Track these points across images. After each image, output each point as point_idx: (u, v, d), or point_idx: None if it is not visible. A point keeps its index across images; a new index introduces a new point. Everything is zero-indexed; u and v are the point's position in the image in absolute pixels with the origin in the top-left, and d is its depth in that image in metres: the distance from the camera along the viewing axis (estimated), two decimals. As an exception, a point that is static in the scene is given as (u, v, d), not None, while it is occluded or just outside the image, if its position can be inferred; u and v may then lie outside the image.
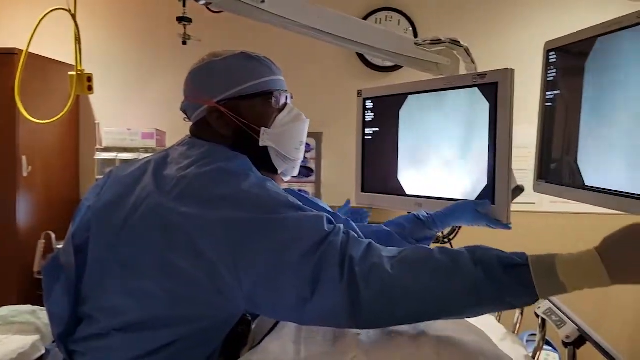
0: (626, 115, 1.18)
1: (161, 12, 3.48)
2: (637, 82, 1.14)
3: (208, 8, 1.77)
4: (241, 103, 1.18)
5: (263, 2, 1.52)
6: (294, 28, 1.63)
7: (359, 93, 1.88)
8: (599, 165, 1.27)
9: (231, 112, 1.17)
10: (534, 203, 3.31)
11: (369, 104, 1.85)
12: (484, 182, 1.50)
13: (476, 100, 1.51)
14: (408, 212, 1.61)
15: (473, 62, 1.76)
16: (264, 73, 1.21)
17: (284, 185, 1.27)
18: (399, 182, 1.76)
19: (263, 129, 1.18)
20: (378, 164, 1.84)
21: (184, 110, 1.26)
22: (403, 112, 1.73)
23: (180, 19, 2.36)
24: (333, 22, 1.67)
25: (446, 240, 1.75)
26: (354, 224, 1.29)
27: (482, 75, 1.49)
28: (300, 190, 1.61)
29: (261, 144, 1.19)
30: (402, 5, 3.46)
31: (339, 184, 3.57)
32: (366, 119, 1.86)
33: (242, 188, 1.02)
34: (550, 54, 1.48)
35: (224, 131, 1.18)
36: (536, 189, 1.54)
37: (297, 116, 1.26)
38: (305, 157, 3.60)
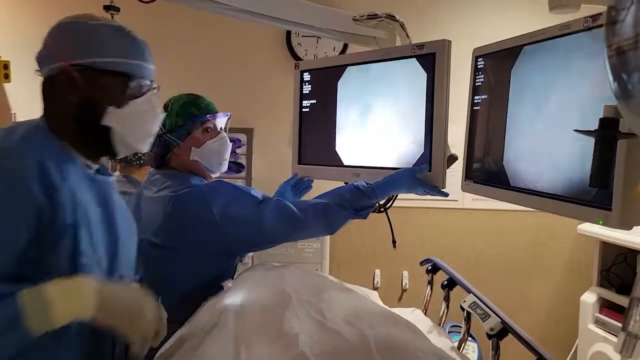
0: (546, 121, 1.26)
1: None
2: (557, 90, 1.22)
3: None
4: (97, 75, 1.08)
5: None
6: (230, 13, 1.61)
7: (296, 65, 1.87)
8: (523, 166, 1.35)
9: (83, 79, 1.07)
10: (456, 200, 3.46)
11: (307, 76, 1.85)
12: (420, 150, 1.54)
13: (414, 71, 1.54)
14: (345, 183, 1.63)
15: (408, 36, 1.80)
16: (132, 55, 1.12)
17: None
18: (337, 153, 1.76)
19: (111, 107, 1.09)
20: (315, 135, 1.84)
21: (38, 59, 1.15)
22: (341, 84, 1.75)
23: (107, 7, 2.27)
24: (269, 3, 1.66)
25: (382, 209, 1.77)
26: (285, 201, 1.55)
27: (421, 46, 1.53)
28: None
29: (103, 122, 1.10)
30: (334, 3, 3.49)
31: (270, 179, 3.55)
32: (303, 92, 1.85)
33: None
34: (479, 59, 1.55)
35: (70, 97, 1.09)
36: (464, 189, 1.61)
37: (153, 109, 1.17)
38: (235, 153, 3.57)
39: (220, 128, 1.67)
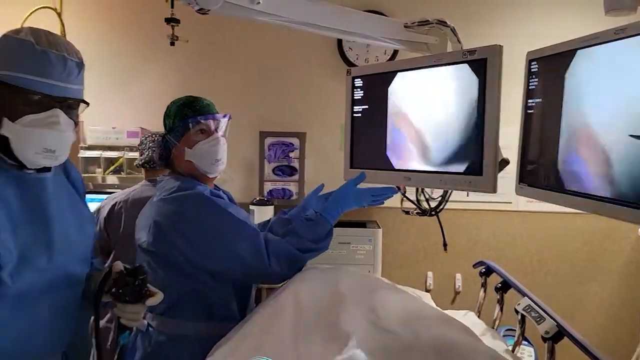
0: (601, 125, 1.25)
1: (149, 12, 3.49)
2: (612, 94, 1.22)
3: (200, 11, 1.81)
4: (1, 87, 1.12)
5: (259, 3, 1.56)
6: (286, 24, 1.67)
7: (348, 72, 1.91)
8: (578, 170, 1.34)
9: None
10: (511, 202, 3.41)
11: (358, 82, 1.89)
12: (471, 155, 1.55)
13: (465, 76, 1.56)
14: (306, 216, 1.71)
15: (459, 41, 1.82)
16: (33, 70, 1.12)
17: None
18: (388, 157, 1.80)
19: (5, 119, 1.13)
20: (367, 140, 1.87)
21: None
22: (392, 89, 1.78)
23: (168, 20, 2.37)
24: (326, 14, 1.72)
25: (433, 212, 1.81)
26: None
27: (472, 51, 1.54)
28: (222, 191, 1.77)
29: (1, 132, 1.13)
30: (385, 9, 3.52)
31: (322, 183, 3.62)
32: (355, 97, 1.90)
33: None
34: (532, 63, 1.55)
35: None
36: (518, 192, 1.60)
37: (48, 124, 1.15)
38: (288, 156, 3.65)
39: (215, 130, 1.70)
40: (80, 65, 1.20)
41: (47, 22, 2.66)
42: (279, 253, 1.57)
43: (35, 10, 2.77)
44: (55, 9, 2.89)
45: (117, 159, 3.51)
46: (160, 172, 2.64)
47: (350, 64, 3.57)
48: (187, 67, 3.63)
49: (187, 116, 1.65)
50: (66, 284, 1.21)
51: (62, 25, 2.99)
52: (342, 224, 3.38)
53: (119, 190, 2.86)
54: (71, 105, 1.19)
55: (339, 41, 3.57)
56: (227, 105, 3.51)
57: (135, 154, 3.46)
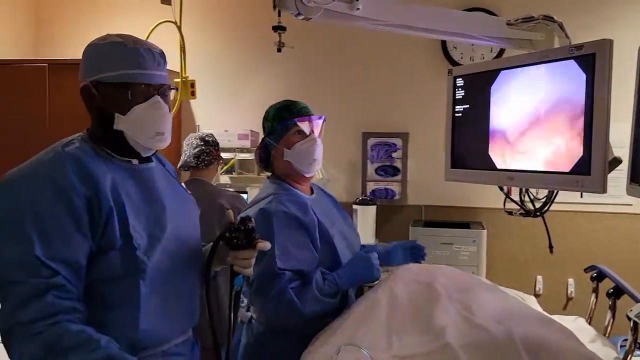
0: None
1: (257, 22, 3.68)
2: None
3: (306, 18, 1.90)
4: (104, 88, 1.24)
5: (358, 9, 1.61)
6: (386, 28, 1.70)
7: (450, 72, 1.91)
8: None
9: (97, 93, 1.25)
10: (631, 205, 3.18)
11: (460, 82, 1.88)
12: (579, 153, 1.49)
13: (572, 72, 1.50)
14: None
15: (567, 36, 1.74)
16: (132, 66, 1.25)
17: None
18: (490, 157, 1.77)
19: (117, 114, 1.25)
20: (468, 140, 1.86)
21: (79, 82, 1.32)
22: (495, 88, 1.75)
23: (275, 28, 2.49)
24: (425, 16, 1.73)
25: (538, 213, 1.77)
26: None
27: (579, 46, 1.49)
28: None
29: (115, 127, 1.26)
30: (491, 5, 3.44)
31: (426, 183, 3.63)
32: (456, 97, 1.89)
33: None
34: (645, 57, 1.47)
35: (91, 108, 1.28)
36: (630, 192, 1.53)
37: (156, 109, 1.28)
38: (391, 157, 3.69)
39: (312, 131, 1.75)
40: (163, 54, 1.33)
41: (167, 35, 2.90)
42: (288, 303, 1.57)
43: (159, 24, 3.03)
44: (175, 23, 3.14)
45: (229, 160, 3.73)
46: (204, 170, 2.75)
47: (454, 63, 3.53)
48: (292, 71, 3.78)
49: (285, 119, 1.74)
50: (186, 260, 1.34)
51: (182, 37, 3.24)
52: (445, 224, 3.38)
53: (231, 189, 3.05)
54: (164, 91, 1.33)
55: (443, 40, 3.54)
56: (331, 107, 3.65)
57: (246, 155, 3.68)
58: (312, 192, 1.84)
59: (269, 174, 1.87)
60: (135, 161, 1.32)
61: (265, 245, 1.30)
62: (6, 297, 1.09)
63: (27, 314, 1.07)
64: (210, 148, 2.75)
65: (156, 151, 1.37)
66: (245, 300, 1.77)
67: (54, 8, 4.07)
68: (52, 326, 1.07)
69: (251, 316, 1.73)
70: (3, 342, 1.11)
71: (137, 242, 1.20)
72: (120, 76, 1.24)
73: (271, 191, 1.73)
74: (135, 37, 1.31)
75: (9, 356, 1.09)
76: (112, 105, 1.25)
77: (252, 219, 1.30)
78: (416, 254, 1.91)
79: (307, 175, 1.77)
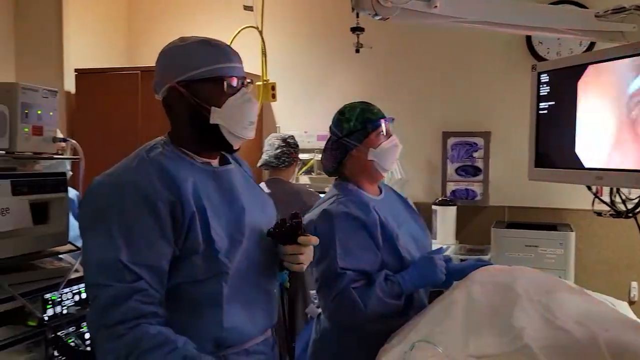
0: None
1: (336, 24, 3.72)
2: None
3: (383, 19, 1.91)
4: (196, 85, 1.27)
5: (436, 7, 1.59)
6: (466, 25, 1.67)
7: (534, 67, 1.85)
8: None
9: (187, 92, 1.27)
10: None
11: (544, 78, 1.81)
12: None
13: None
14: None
15: None
16: (220, 60, 1.28)
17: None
18: (577, 155, 1.70)
19: (213, 108, 1.27)
20: (553, 138, 1.79)
21: (154, 87, 1.34)
22: (582, 84, 1.68)
23: (354, 29, 2.51)
24: (507, 11, 1.68)
25: (630, 214, 1.68)
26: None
27: None
28: None
29: (211, 121, 1.27)
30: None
31: (509, 183, 3.51)
32: (541, 93, 1.82)
33: None
34: None
35: (181, 109, 1.29)
36: None
37: (247, 100, 1.32)
38: (472, 156, 3.60)
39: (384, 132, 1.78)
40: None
41: (249, 40, 3.01)
42: (350, 302, 1.59)
43: (242, 29, 3.15)
44: (257, 28, 3.25)
45: (308, 160, 3.80)
46: (284, 170, 2.81)
47: (540, 58, 3.40)
48: (371, 72, 3.79)
49: (371, 120, 1.77)
50: (264, 260, 1.37)
51: (263, 42, 3.34)
52: (529, 226, 3.26)
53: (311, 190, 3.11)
54: (247, 84, 1.37)
55: (527, 35, 3.42)
56: (409, 107, 3.64)
57: (325, 156, 3.72)
58: (379, 193, 1.85)
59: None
60: (215, 162, 1.37)
61: (310, 239, 1.32)
62: (95, 298, 1.15)
63: (112, 317, 1.11)
64: (290, 149, 2.83)
65: (236, 151, 1.41)
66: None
67: (144, 22, 4.34)
68: (133, 329, 1.11)
69: (319, 312, 1.78)
70: (91, 340, 1.18)
71: (218, 245, 1.23)
72: (215, 70, 1.28)
73: (335, 192, 1.77)
74: (207, 37, 1.37)
75: (96, 353, 1.16)
76: (208, 99, 1.28)
77: (300, 215, 1.33)
78: None
79: (383, 174, 1.82)
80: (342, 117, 1.80)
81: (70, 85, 3.84)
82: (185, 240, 1.20)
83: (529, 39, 3.44)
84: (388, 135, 1.78)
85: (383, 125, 1.76)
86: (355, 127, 1.76)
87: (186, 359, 1.12)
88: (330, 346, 1.72)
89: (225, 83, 1.29)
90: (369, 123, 1.75)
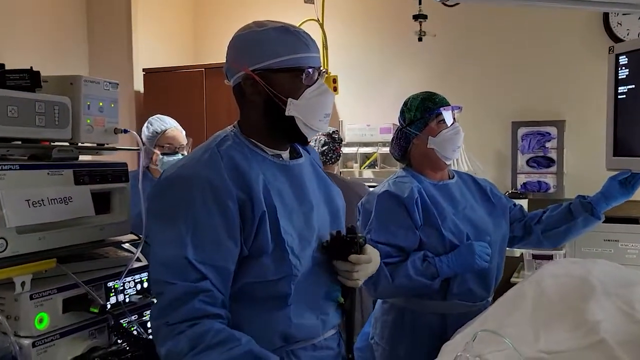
0: None
1: (397, 13, 3.63)
2: None
3: (444, 3, 1.83)
4: (273, 74, 1.21)
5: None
6: (539, 3, 1.60)
7: (611, 49, 1.73)
8: None
9: (263, 81, 1.21)
10: None
11: (623, 60, 1.68)
12: None
13: None
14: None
15: None
16: (299, 49, 1.23)
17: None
18: (660, 142, 1.56)
19: (290, 99, 1.21)
20: (634, 124, 1.67)
21: (225, 72, 1.29)
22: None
23: (416, 17, 2.44)
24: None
25: None
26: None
27: None
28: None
29: (287, 113, 1.22)
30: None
31: (585, 175, 3.31)
32: (619, 77, 1.69)
33: None
34: None
35: (255, 98, 1.23)
36: None
37: (324, 91, 1.27)
38: (545, 147, 3.42)
39: (453, 120, 1.82)
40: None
41: (310, 33, 2.99)
42: (382, 277, 1.69)
43: (303, 22, 3.14)
44: (317, 20, 3.24)
45: (371, 154, 3.74)
46: (331, 165, 2.77)
47: (618, 40, 3.17)
48: (434, 61, 3.68)
49: (430, 109, 1.80)
50: (328, 261, 1.31)
51: (324, 34, 3.33)
52: (608, 219, 3.03)
53: (374, 184, 3.06)
54: (322, 74, 1.31)
55: (605, 15, 3.20)
56: (475, 96, 3.50)
57: (389, 149, 3.65)
58: (450, 178, 1.89)
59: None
60: (285, 154, 1.33)
61: (359, 258, 1.26)
62: (161, 294, 1.14)
63: (175, 316, 1.10)
64: (336, 145, 2.79)
65: (308, 143, 1.37)
66: None
67: (208, 22, 4.41)
68: (195, 326, 1.09)
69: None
70: (152, 332, 1.18)
71: (289, 245, 1.20)
72: (294, 60, 1.22)
73: (393, 177, 1.85)
74: (285, 24, 1.30)
75: (157, 346, 1.15)
76: (284, 90, 1.22)
77: (354, 229, 1.28)
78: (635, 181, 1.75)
79: (447, 162, 1.84)
80: (405, 107, 1.87)
81: (139, 84, 3.99)
82: (254, 240, 1.18)
83: (606, 19, 3.22)
84: (450, 124, 1.79)
85: (444, 113, 1.78)
86: (415, 116, 1.82)
87: (250, 353, 1.10)
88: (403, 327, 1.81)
89: (302, 74, 1.23)
90: (428, 112, 1.80)
